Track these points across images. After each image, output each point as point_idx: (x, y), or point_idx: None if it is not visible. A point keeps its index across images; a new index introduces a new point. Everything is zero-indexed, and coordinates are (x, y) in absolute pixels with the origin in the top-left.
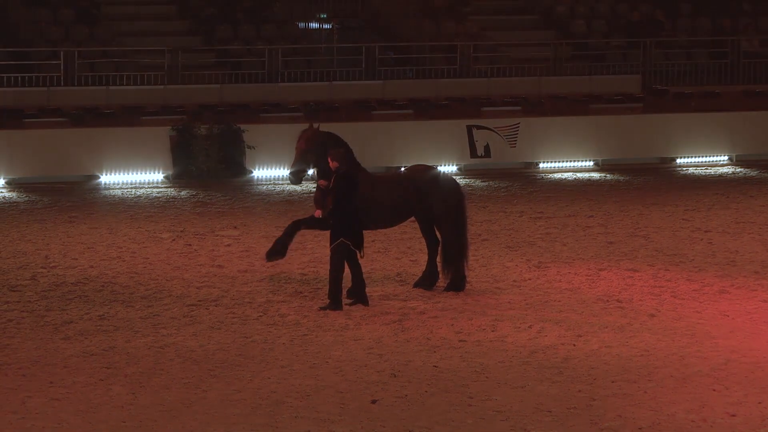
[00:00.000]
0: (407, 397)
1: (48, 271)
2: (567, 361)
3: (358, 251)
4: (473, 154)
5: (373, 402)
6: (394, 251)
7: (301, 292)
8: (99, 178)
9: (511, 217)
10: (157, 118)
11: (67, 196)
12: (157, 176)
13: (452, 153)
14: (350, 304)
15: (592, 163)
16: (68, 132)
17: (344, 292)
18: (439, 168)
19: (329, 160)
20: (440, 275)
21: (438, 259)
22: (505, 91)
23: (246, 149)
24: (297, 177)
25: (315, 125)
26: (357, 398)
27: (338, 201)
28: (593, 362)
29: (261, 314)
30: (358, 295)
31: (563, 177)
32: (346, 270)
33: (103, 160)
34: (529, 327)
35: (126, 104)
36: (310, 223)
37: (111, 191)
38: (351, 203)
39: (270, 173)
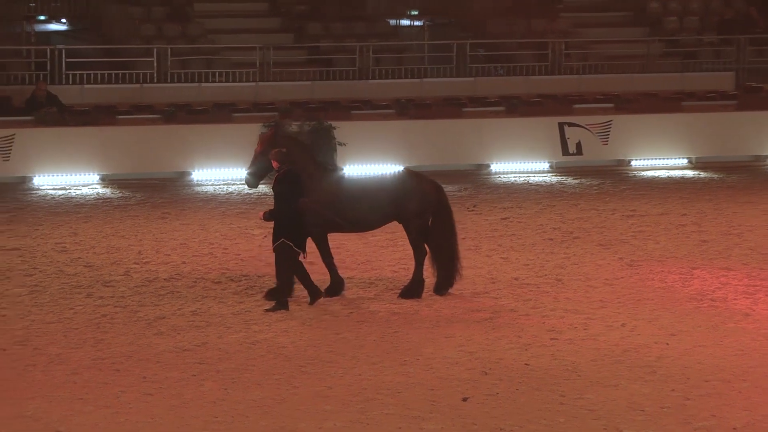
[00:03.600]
0: (498, 395)
1: (141, 267)
2: (660, 360)
3: (300, 252)
4: (565, 151)
5: (464, 400)
6: (485, 248)
7: (391, 289)
8: (191, 174)
9: (603, 214)
10: (248, 115)
11: (159, 193)
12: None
13: (543, 150)
14: (311, 303)
15: (685, 161)
16: (160, 129)
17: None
18: (419, 171)
19: (272, 160)
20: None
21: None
22: (597, 89)
23: (336, 146)
24: (253, 179)
25: (272, 126)
26: (448, 396)
27: (279, 201)
28: (686, 361)
29: (351, 311)
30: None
31: (656, 175)
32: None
33: (194, 157)
34: (622, 325)
35: (217, 101)
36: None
37: (203, 188)
38: (292, 204)
39: (360, 170)
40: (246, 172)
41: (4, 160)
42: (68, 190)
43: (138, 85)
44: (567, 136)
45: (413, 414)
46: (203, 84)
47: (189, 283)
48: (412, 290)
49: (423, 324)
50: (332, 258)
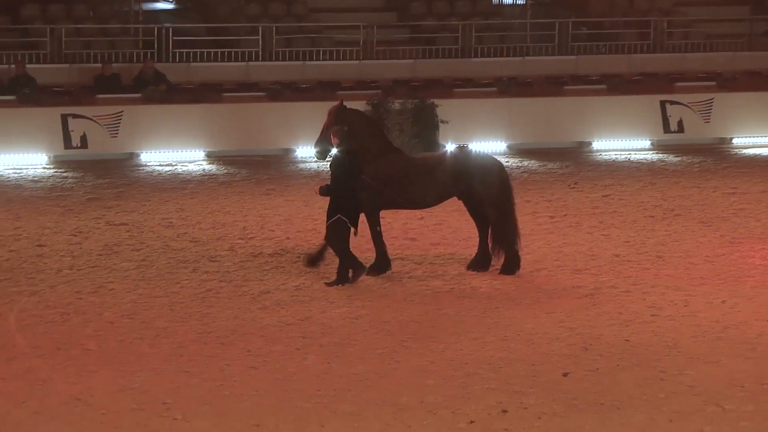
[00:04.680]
0: (598, 370)
1: (246, 243)
2: (760, 337)
3: (353, 228)
4: (666, 129)
5: (565, 375)
6: (586, 225)
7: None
8: (295, 151)
9: (704, 192)
10: (351, 93)
11: (264, 169)
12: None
13: (645, 128)
14: (328, 284)
15: None
16: (265, 106)
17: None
18: (481, 150)
19: (331, 137)
20: (492, 257)
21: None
22: (699, 67)
23: (439, 124)
24: (320, 152)
25: (342, 100)
26: (548, 371)
27: (336, 179)
28: None
29: (453, 287)
30: (340, 274)
31: (758, 153)
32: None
33: (298, 134)
34: (722, 302)
35: (321, 79)
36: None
37: (307, 164)
38: (349, 181)
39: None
40: (314, 146)
41: (112, 137)
42: (175, 167)
43: (243, 64)
44: (668, 114)
45: (514, 389)
46: (308, 62)
47: (293, 258)
48: (511, 266)
49: (524, 300)
50: (382, 235)
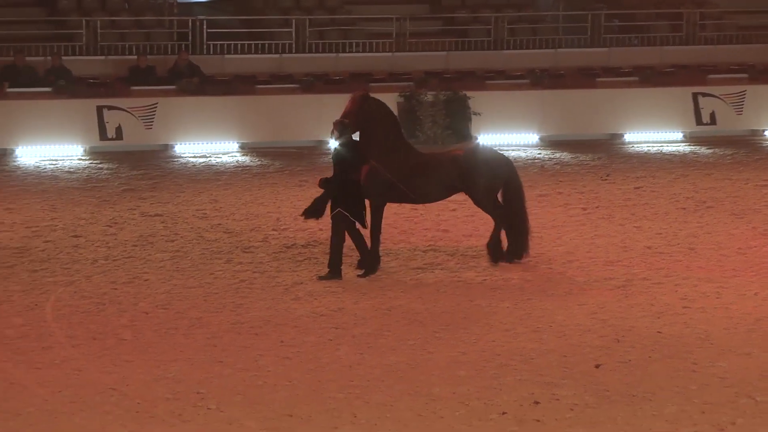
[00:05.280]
0: (631, 362)
1: (279, 234)
2: None
3: (359, 222)
4: (698, 121)
5: (597, 366)
6: (618, 217)
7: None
8: (328, 143)
9: (736, 184)
10: (384, 85)
11: (297, 161)
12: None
13: (677, 120)
14: (360, 276)
15: None
16: (299, 98)
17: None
18: (489, 146)
19: (332, 128)
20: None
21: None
22: (731, 59)
23: (471, 116)
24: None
25: (364, 90)
26: (580, 362)
27: (339, 171)
28: None
29: (485, 278)
30: (366, 264)
31: None
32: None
33: (331, 126)
34: (755, 294)
35: (354, 71)
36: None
37: None
38: (352, 174)
39: (495, 140)
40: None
41: (147, 129)
42: (208, 158)
43: (277, 56)
44: (701, 106)
45: (546, 380)
46: (340, 54)
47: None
48: (516, 252)
49: (556, 291)
50: (380, 232)
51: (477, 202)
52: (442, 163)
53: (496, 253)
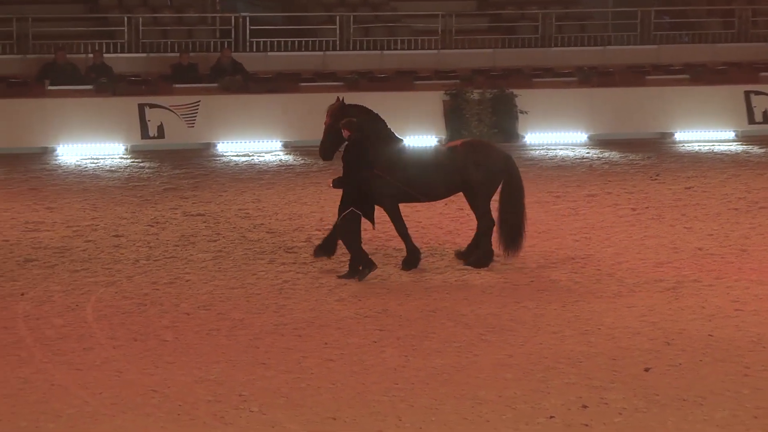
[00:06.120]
0: (681, 365)
1: (322, 234)
2: None
3: (369, 222)
4: (751, 120)
5: (647, 370)
6: (668, 218)
7: (572, 258)
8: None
9: None
10: (430, 83)
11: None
12: (431, 140)
13: (728, 119)
14: (341, 276)
15: None
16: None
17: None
18: (491, 142)
19: (342, 129)
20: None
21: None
22: None
23: (518, 114)
24: (327, 153)
25: (340, 98)
26: (629, 366)
27: (349, 170)
28: None
29: (532, 279)
30: (407, 262)
31: None
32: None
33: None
34: None
35: (399, 69)
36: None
37: None
38: (362, 173)
39: (542, 139)
40: (319, 147)
41: (189, 127)
42: (251, 157)
43: (321, 53)
44: (753, 105)
45: (594, 384)
46: (385, 51)
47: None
48: (481, 260)
49: (604, 293)
50: (407, 228)
51: (472, 199)
52: (442, 159)
53: (462, 253)
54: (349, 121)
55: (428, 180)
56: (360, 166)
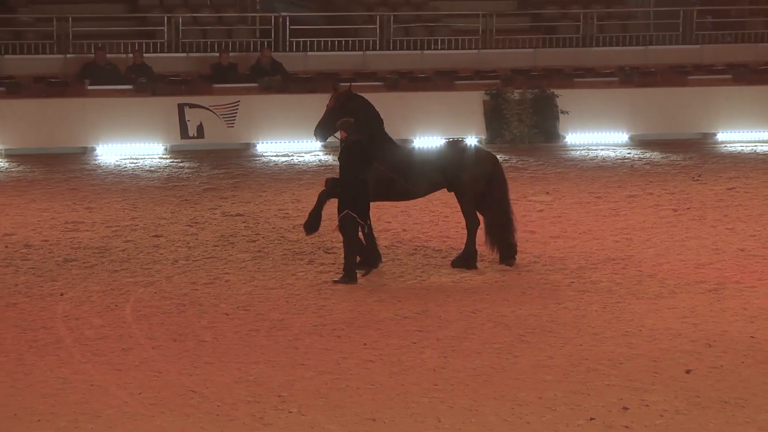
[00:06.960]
0: (723, 367)
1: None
2: None
3: (363, 223)
4: None
5: (688, 372)
6: (710, 219)
7: (613, 259)
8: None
9: None
10: (470, 83)
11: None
12: (471, 141)
13: None
14: (363, 275)
15: None
16: (383, 96)
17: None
18: (474, 143)
19: (339, 129)
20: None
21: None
22: None
23: (559, 114)
24: (322, 135)
25: (350, 86)
26: (671, 367)
27: (345, 171)
28: None
29: (573, 280)
30: (367, 263)
31: None
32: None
33: (416, 124)
34: None
35: (440, 69)
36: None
37: None
38: (358, 174)
39: (583, 139)
40: (315, 130)
41: (228, 127)
42: (291, 157)
43: (361, 53)
44: None
45: (635, 385)
46: (425, 51)
47: (409, 250)
48: (466, 261)
49: (645, 294)
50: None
51: (459, 198)
52: (427, 158)
53: (459, 260)
54: (346, 122)
55: (412, 174)
56: (357, 168)
